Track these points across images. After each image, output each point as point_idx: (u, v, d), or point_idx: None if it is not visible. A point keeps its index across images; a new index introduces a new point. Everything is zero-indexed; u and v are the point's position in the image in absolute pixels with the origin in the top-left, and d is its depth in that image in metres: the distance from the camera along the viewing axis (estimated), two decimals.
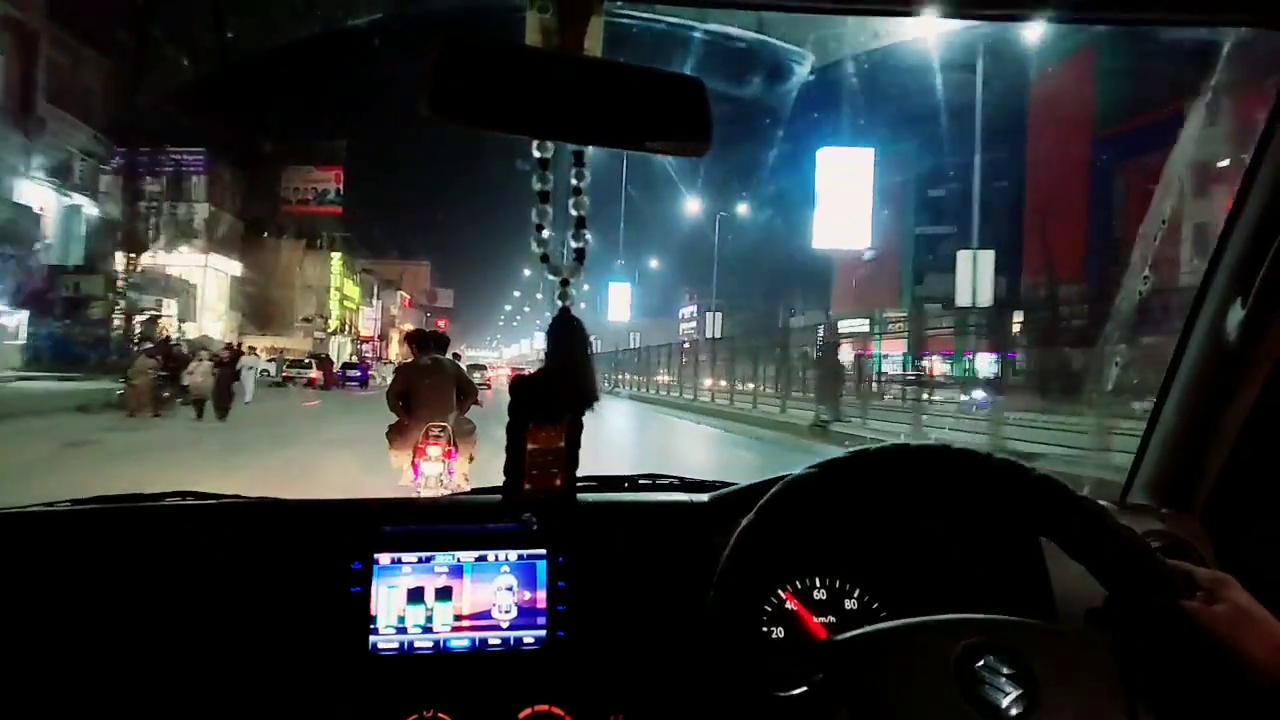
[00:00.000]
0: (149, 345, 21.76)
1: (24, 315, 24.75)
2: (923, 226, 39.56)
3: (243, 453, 10.87)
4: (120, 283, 28.36)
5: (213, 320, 38.63)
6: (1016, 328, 16.63)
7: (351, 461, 8.75)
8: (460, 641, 1.11)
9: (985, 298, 17.28)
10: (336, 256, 54.39)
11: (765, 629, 1.10)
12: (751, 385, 23.92)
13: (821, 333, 20.05)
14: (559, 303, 0.81)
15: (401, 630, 1.10)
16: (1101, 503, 0.89)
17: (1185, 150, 1.63)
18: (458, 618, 1.11)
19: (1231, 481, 1.24)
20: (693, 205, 41.34)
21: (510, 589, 1.12)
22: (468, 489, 3.40)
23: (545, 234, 0.76)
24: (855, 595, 1.12)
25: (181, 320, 33.73)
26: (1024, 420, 12.83)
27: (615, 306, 51.96)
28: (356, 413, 17.40)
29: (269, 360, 35.08)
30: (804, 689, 0.80)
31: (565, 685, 1.09)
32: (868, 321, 22.87)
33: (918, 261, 39.96)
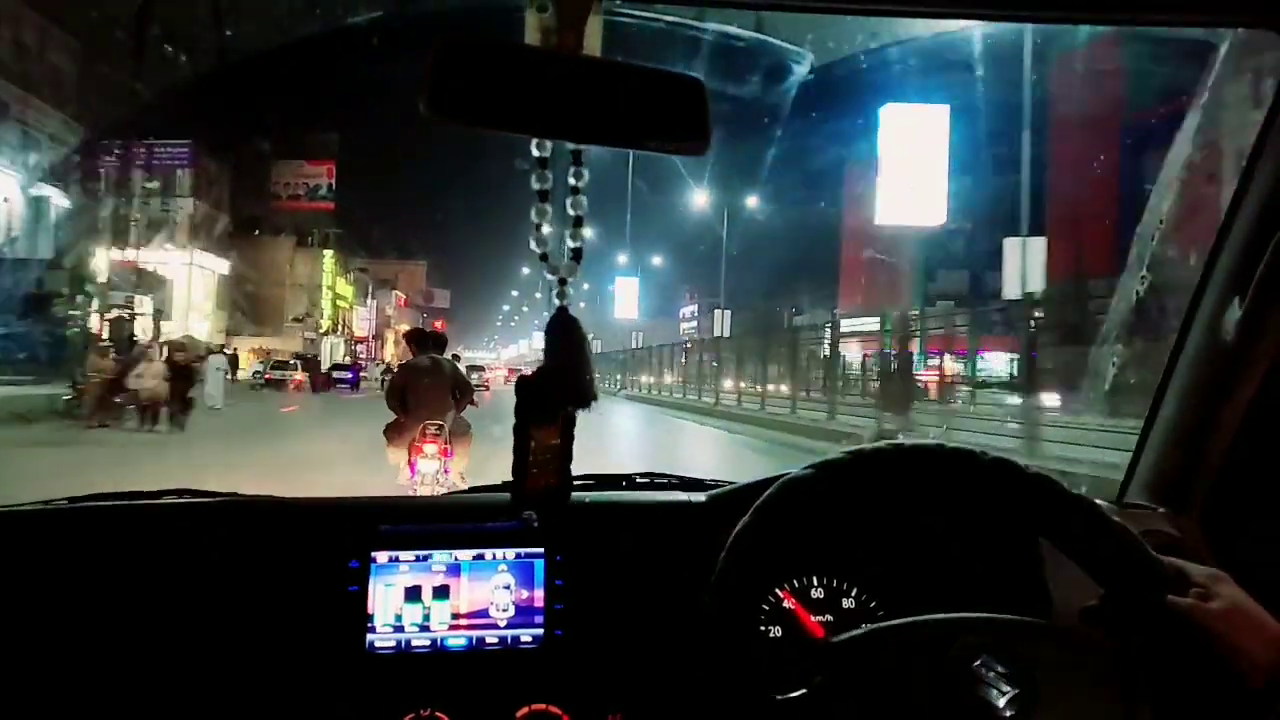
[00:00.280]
0: (104, 344, 19.43)
1: None
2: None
3: (166, 481, 10.00)
4: (88, 279, 26.30)
5: (200, 320, 37.57)
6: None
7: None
8: (457, 640, 1.11)
9: (1036, 288, 15.07)
10: (329, 254, 53.02)
11: (763, 628, 1.10)
12: (783, 387, 21.37)
13: (888, 328, 17.35)
14: (557, 301, 0.81)
15: (399, 629, 1.10)
16: (1098, 501, 0.90)
17: (1181, 149, 1.64)
18: (455, 616, 1.11)
19: (1229, 481, 1.24)
20: (693, 203, 40.92)
21: (508, 588, 1.12)
22: (464, 488, 3.40)
23: (544, 231, 0.77)
24: (853, 594, 1.12)
25: (158, 319, 32.04)
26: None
27: (622, 303, 48.60)
28: (338, 421, 15.98)
29: (260, 361, 33.93)
30: (802, 689, 0.80)
31: (563, 684, 1.09)
32: (879, 320, 20.57)
33: (929, 258, 39.26)
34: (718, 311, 38.06)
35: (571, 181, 0.76)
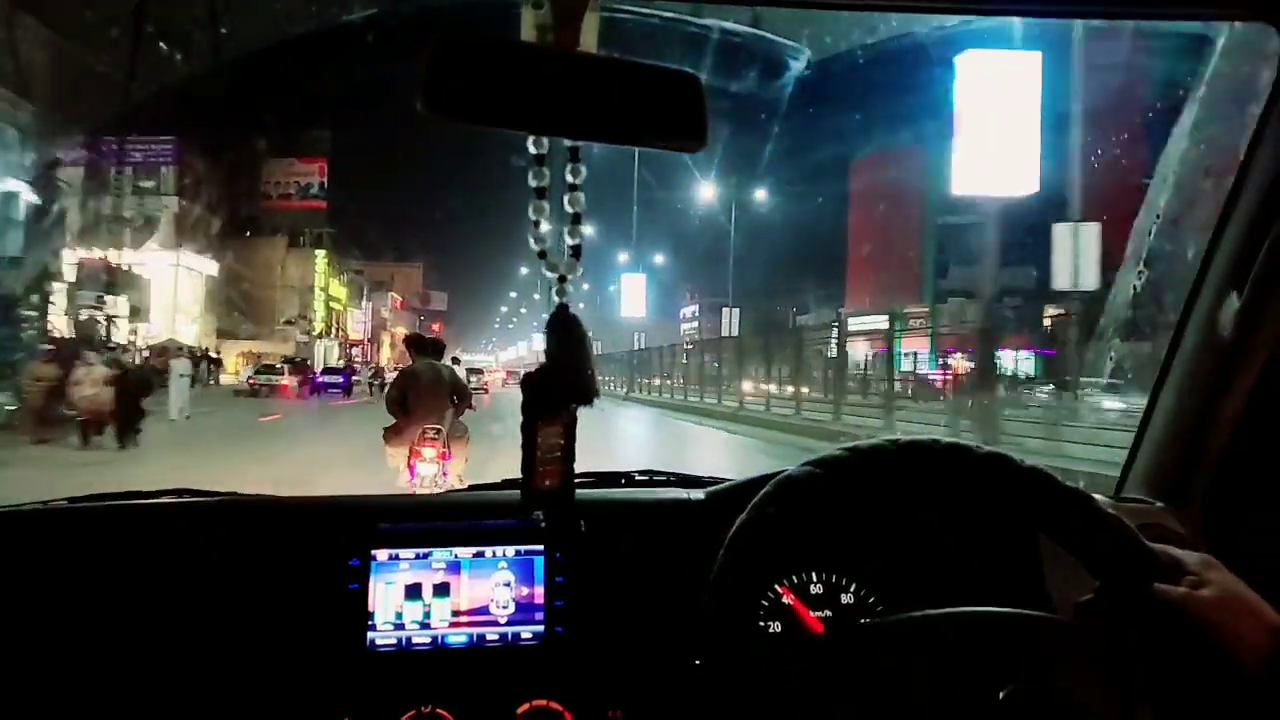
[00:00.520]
0: (48, 349, 16.73)
1: None
2: (944, 217, 38.26)
3: None
4: (52, 278, 23.53)
5: (187, 322, 36.50)
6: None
7: None
8: (458, 637, 1.11)
9: (1090, 280, 13.03)
10: (321, 254, 51.14)
11: (762, 623, 1.11)
12: (818, 392, 19.24)
13: (974, 322, 14.89)
14: (556, 299, 0.81)
15: (399, 626, 1.10)
16: (1094, 495, 0.90)
17: (1178, 144, 1.63)
18: (455, 614, 1.11)
19: (1226, 475, 1.25)
20: (693, 201, 40.40)
21: (508, 585, 1.13)
22: (462, 489, 3.41)
23: (543, 229, 0.77)
24: (852, 590, 1.13)
25: (134, 320, 30.25)
26: None
27: (628, 301, 44.52)
28: (324, 435, 13.94)
29: (249, 365, 32.28)
30: (802, 685, 0.80)
31: (563, 681, 1.09)
32: (887, 317, 19.67)
33: (939, 254, 38.69)
34: (725, 310, 37.01)
35: (569, 178, 0.76)
